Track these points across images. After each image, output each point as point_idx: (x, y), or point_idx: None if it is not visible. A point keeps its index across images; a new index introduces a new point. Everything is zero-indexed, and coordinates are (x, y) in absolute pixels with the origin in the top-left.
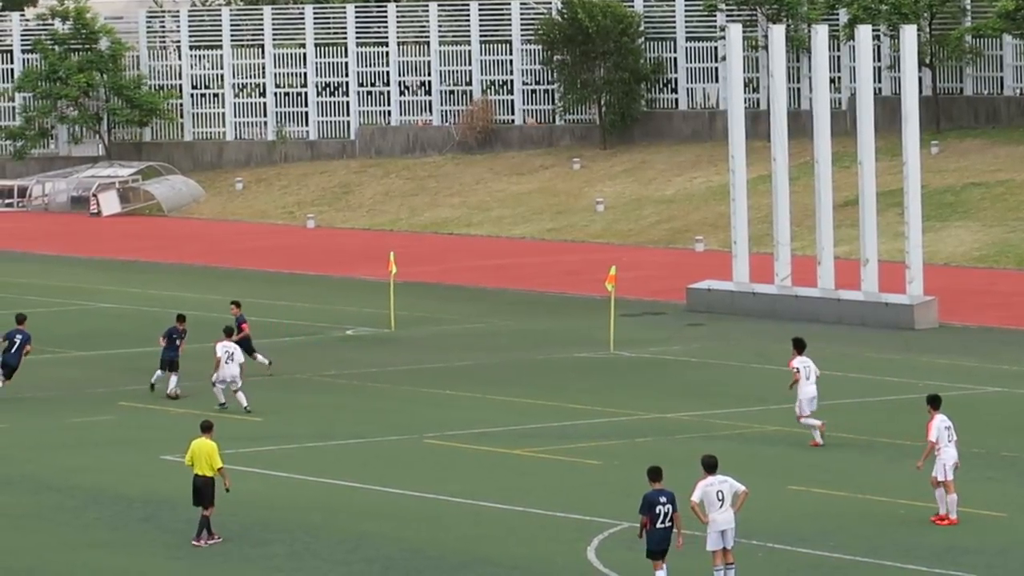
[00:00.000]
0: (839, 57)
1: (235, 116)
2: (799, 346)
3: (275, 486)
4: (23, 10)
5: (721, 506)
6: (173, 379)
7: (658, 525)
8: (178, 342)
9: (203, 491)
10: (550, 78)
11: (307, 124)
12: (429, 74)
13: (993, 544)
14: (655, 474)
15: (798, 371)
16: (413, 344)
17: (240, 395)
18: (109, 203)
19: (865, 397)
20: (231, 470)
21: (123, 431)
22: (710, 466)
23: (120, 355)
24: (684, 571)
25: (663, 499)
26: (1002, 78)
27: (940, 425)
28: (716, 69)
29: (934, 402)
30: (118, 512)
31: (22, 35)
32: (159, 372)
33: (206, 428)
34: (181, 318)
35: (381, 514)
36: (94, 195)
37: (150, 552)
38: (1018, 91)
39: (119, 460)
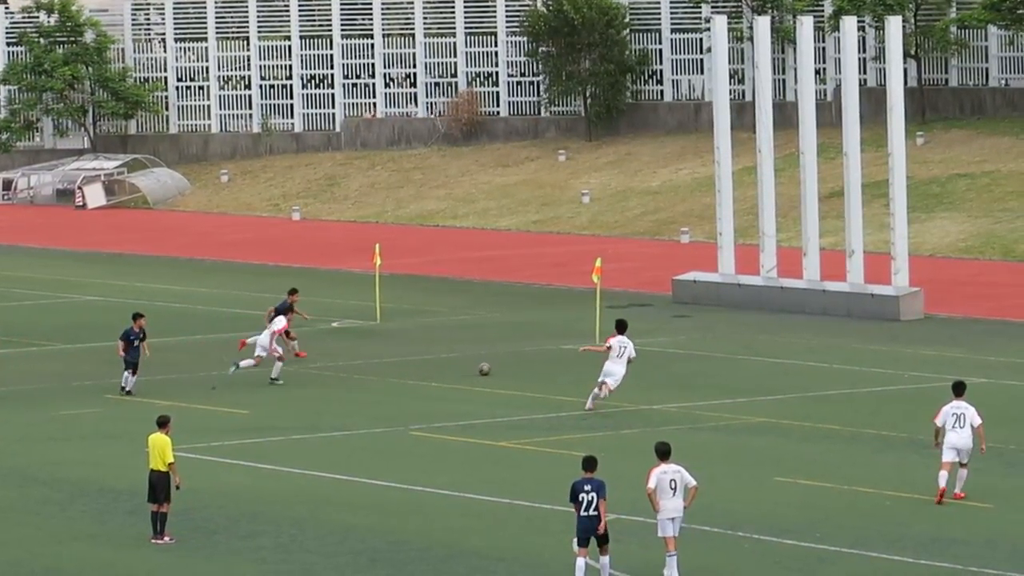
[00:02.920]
0: (824, 48)
1: (220, 108)
2: (620, 327)
3: (262, 479)
4: (7, 3)
5: (673, 494)
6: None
7: (582, 513)
8: (136, 343)
9: (156, 486)
10: (535, 70)
11: (292, 116)
12: (414, 66)
13: (980, 535)
14: (588, 463)
15: (610, 348)
16: (399, 336)
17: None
18: (94, 196)
19: (851, 388)
20: (218, 463)
21: (109, 424)
22: (663, 453)
23: (106, 348)
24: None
25: (587, 487)
26: (987, 69)
27: (948, 411)
28: (701, 60)
29: (956, 389)
30: (104, 505)
31: (7, 28)
32: (127, 375)
33: (162, 423)
34: (137, 316)
35: (368, 506)
36: (79, 188)
37: (136, 545)
38: (1003, 82)
39: (105, 453)
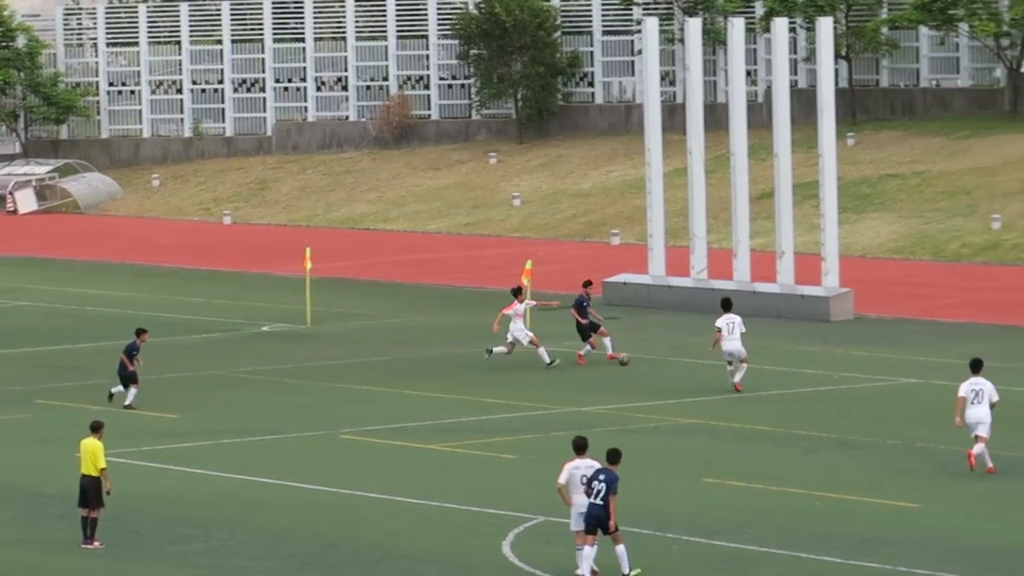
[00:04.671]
0: (755, 50)
1: (152, 113)
2: (726, 305)
3: (192, 483)
4: None
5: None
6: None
7: (590, 500)
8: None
9: (87, 492)
10: (467, 73)
11: (224, 120)
12: (346, 69)
13: (909, 535)
14: (611, 456)
15: (720, 330)
16: (330, 340)
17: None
18: (26, 201)
19: (782, 389)
20: (148, 467)
21: (40, 429)
22: (579, 448)
23: (38, 353)
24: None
25: (602, 477)
26: (918, 70)
27: (967, 387)
28: (632, 63)
29: (973, 366)
30: (34, 510)
31: None
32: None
33: (95, 428)
34: (141, 331)
35: (298, 510)
36: (10, 193)
37: (66, 550)
38: (934, 83)
39: (36, 458)
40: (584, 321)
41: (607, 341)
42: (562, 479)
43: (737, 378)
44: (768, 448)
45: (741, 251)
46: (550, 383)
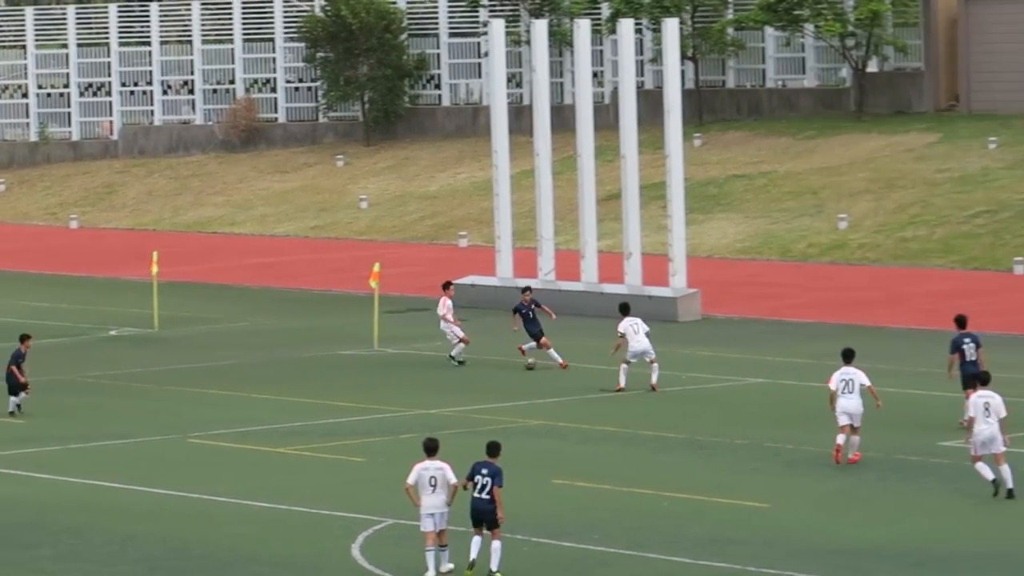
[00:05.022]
0: (602, 51)
1: None
2: (624, 309)
3: (40, 488)
4: None
5: (433, 491)
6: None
7: (475, 494)
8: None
9: None
10: (313, 75)
11: (70, 125)
12: (192, 73)
13: (757, 534)
14: (491, 448)
15: (623, 335)
16: (178, 344)
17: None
18: None
19: (630, 390)
20: None
21: None
22: (430, 449)
23: None
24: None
25: (484, 471)
26: (764, 70)
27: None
28: (479, 64)
29: (844, 355)
30: None
31: None
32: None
33: None
34: (25, 337)
35: (147, 514)
36: None
37: None
38: (780, 83)
39: None
40: (516, 328)
41: (552, 351)
42: (411, 480)
43: (654, 379)
44: (617, 449)
45: (589, 252)
46: (398, 386)
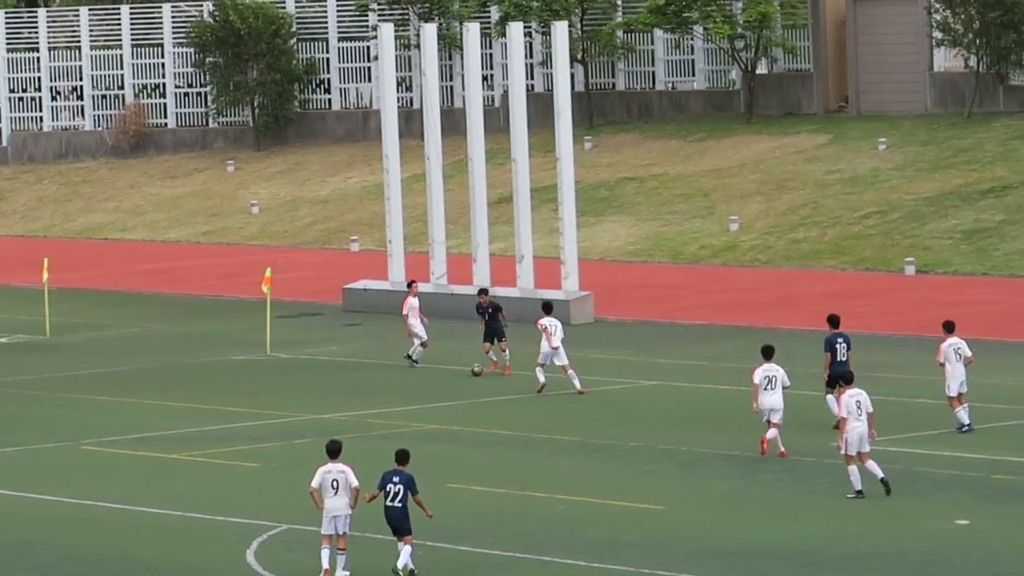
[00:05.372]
0: (491, 54)
1: None
2: (546, 308)
3: None
4: None
5: (335, 493)
6: None
7: (387, 503)
8: None
9: None
10: (203, 80)
11: None
12: (81, 79)
13: (653, 536)
14: (400, 456)
15: (546, 328)
16: (69, 350)
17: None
18: None
19: (522, 393)
20: None
21: None
22: (332, 452)
23: None
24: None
25: (396, 479)
26: (654, 72)
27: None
28: (369, 68)
29: (765, 352)
30: None
31: None
32: None
33: None
34: None
35: (41, 522)
36: None
37: None
38: (669, 85)
39: None
40: (482, 327)
41: (506, 355)
42: (315, 483)
43: (577, 385)
44: (511, 452)
45: (480, 256)
46: (291, 391)
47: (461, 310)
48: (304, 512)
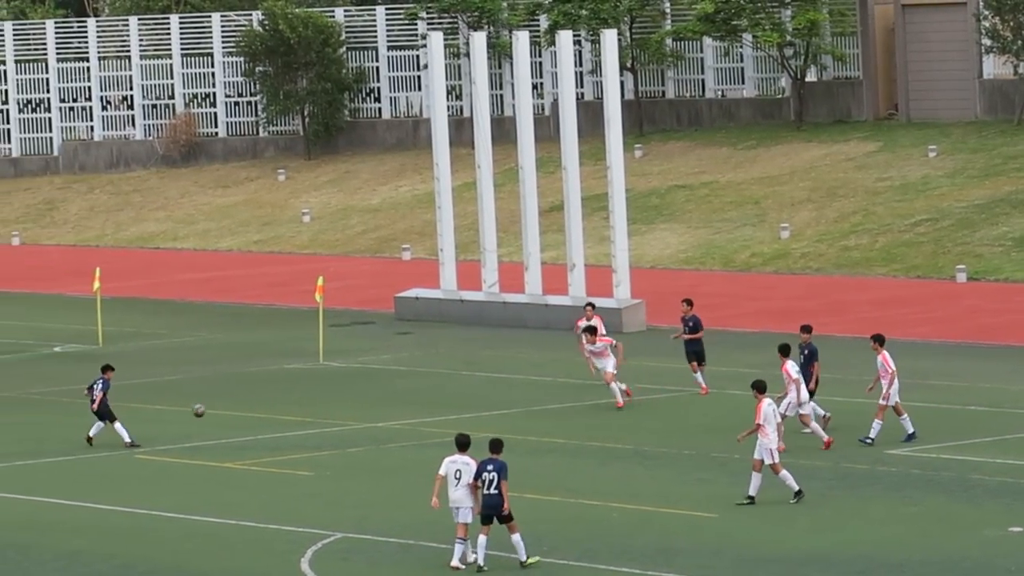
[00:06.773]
0: (541, 63)
1: None
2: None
3: None
4: None
5: (457, 484)
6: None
7: (484, 491)
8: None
9: None
10: (253, 90)
11: (10, 141)
12: (131, 88)
13: (706, 544)
14: (493, 445)
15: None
16: (122, 359)
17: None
18: None
19: (575, 402)
20: None
21: None
22: (462, 444)
23: None
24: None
25: (490, 467)
26: (703, 80)
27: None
28: (419, 77)
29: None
30: None
31: None
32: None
33: None
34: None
35: (93, 531)
36: None
37: None
38: (719, 93)
39: None
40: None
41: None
42: (441, 471)
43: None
44: (563, 460)
45: (532, 264)
46: (344, 400)
47: (514, 318)
48: (357, 521)
